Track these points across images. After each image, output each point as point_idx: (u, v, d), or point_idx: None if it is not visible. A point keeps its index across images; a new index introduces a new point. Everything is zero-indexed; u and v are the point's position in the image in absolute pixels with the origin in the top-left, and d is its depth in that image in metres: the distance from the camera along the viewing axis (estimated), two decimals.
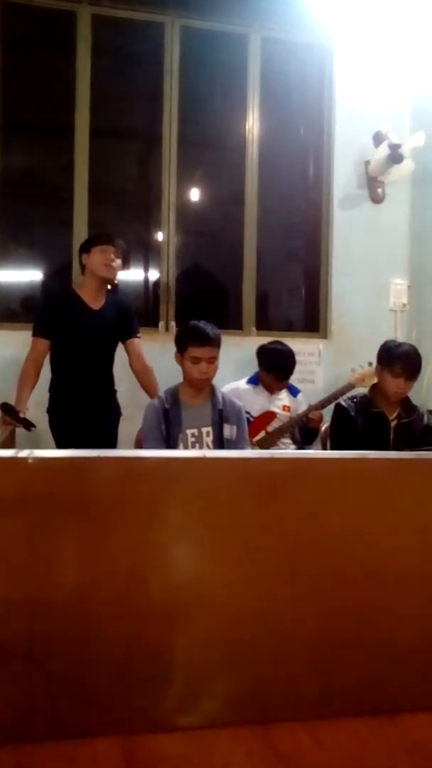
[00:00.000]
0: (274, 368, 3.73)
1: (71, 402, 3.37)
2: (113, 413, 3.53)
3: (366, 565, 2.04)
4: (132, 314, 3.57)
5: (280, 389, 3.81)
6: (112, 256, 3.32)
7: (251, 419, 3.72)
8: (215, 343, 2.91)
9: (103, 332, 3.38)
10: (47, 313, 3.37)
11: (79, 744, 1.70)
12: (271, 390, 3.79)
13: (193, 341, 2.88)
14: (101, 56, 4.36)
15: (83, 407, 3.36)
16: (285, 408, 3.80)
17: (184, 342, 2.91)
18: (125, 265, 3.44)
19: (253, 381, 3.84)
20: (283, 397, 3.84)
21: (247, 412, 3.72)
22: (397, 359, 3.12)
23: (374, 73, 4.61)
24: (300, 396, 3.86)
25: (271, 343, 3.88)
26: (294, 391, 3.89)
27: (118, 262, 3.35)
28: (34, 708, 1.81)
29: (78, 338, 3.32)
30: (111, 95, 4.54)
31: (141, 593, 1.91)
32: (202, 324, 2.94)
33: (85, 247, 3.37)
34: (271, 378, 3.75)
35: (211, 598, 1.96)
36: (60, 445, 3.31)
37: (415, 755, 1.71)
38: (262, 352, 3.80)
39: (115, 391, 3.53)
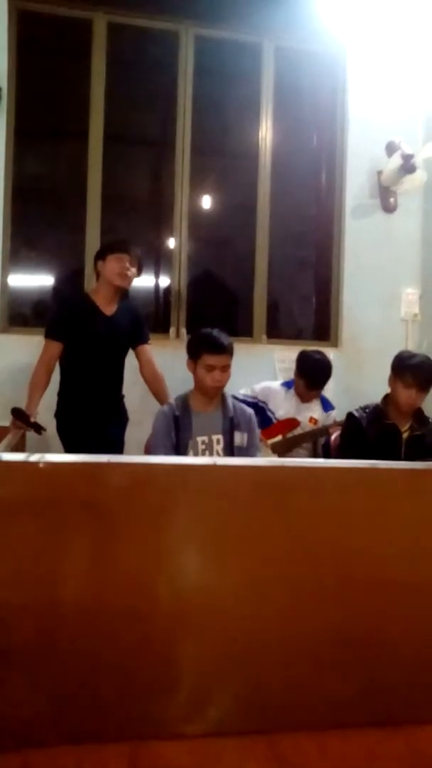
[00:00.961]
0: (306, 374, 3.73)
1: (79, 406, 3.37)
2: (121, 419, 3.54)
3: (375, 574, 2.03)
4: (142, 321, 3.58)
5: (310, 398, 3.79)
6: (128, 264, 3.33)
7: (273, 420, 3.71)
8: (229, 352, 2.92)
9: (115, 338, 3.39)
10: (61, 315, 3.38)
11: (86, 750, 1.70)
12: (302, 398, 3.78)
13: (208, 349, 2.88)
14: (116, 64, 4.38)
15: (90, 412, 3.36)
16: (312, 420, 3.78)
17: (197, 349, 2.91)
18: (140, 272, 3.45)
19: (288, 385, 3.84)
20: (315, 409, 3.82)
21: (272, 412, 3.72)
22: (409, 370, 3.08)
23: (387, 83, 4.62)
24: (333, 413, 3.83)
25: (312, 350, 3.88)
26: (327, 407, 3.86)
27: (133, 270, 3.36)
28: (41, 713, 1.80)
29: (90, 343, 3.33)
30: (125, 102, 4.56)
31: (149, 600, 1.91)
32: (215, 332, 2.94)
33: (101, 254, 3.38)
34: (301, 384, 3.74)
35: (219, 606, 1.96)
36: (68, 450, 3.32)
37: (421, 766, 1.70)
38: (301, 357, 3.80)
39: (122, 397, 3.54)
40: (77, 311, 3.35)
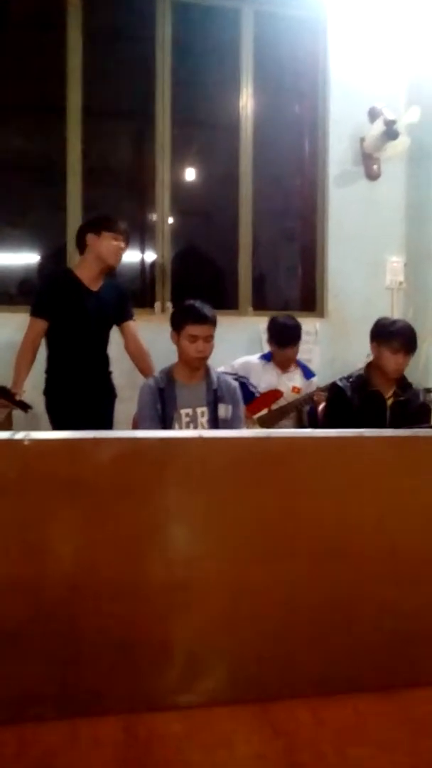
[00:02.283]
0: (273, 334, 3.73)
1: (68, 383, 3.36)
2: (109, 394, 3.54)
3: (364, 542, 2.05)
4: (127, 297, 3.57)
5: (287, 363, 3.77)
6: (122, 244, 3.31)
7: (257, 395, 3.71)
8: (212, 322, 2.94)
9: (101, 314, 3.37)
10: (46, 293, 3.35)
11: (80, 723, 1.71)
12: (281, 366, 3.77)
13: (191, 320, 2.91)
14: (92, 33, 4.31)
15: (80, 389, 3.35)
16: (295, 389, 3.78)
17: (180, 320, 2.92)
18: (126, 247, 3.43)
19: (266, 357, 3.83)
20: (296, 378, 3.82)
21: (254, 387, 3.72)
22: (395, 335, 3.12)
23: (369, 48, 4.56)
24: (314, 380, 3.83)
25: (281, 316, 3.88)
26: (308, 374, 3.87)
27: (124, 247, 3.35)
28: (35, 688, 1.82)
29: (77, 320, 3.31)
30: (103, 73, 4.49)
31: (139, 573, 1.92)
32: (198, 303, 2.97)
33: (94, 228, 3.32)
34: (274, 348, 3.74)
35: (210, 577, 1.97)
36: (57, 427, 3.31)
37: (416, 731, 1.72)
38: (269, 323, 3.81)
39: (110, 373, 3.53)
40: (62, 289, 3.33)
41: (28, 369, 3.22)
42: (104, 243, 3.29)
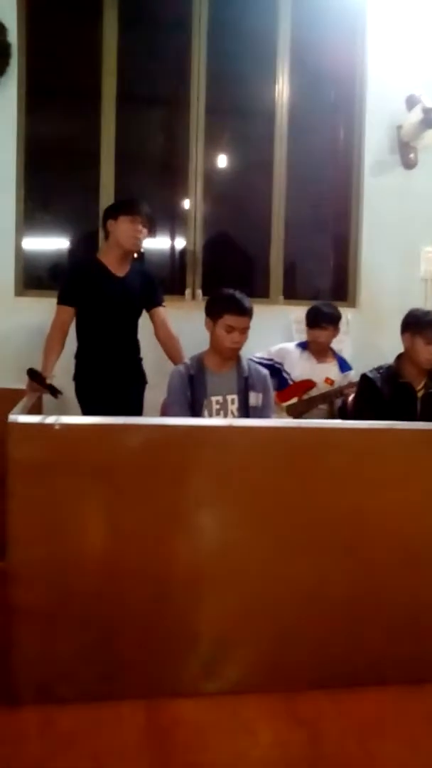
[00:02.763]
0: (308, 315, 3.71)
1: (98, 369, 3.38)
2: (139, 380, 3.54)
3: (392, 534, 2.03)
4: (156, 283, 3.56)
5: (321, 344, 3.72)
6: (140, 227, 3.30)
7: (290, 382, 3.69)
8: (250, 314, 2.94)
9: (127, 299, 3.37)
10: (72, 281, 3.37)
11: (104, 706, 1.73)
12: (318, 354, 3.75)
13: (230, 310, 2.89)
14: (128, 19, 4.29)
15: (109, 374, 3.37)
16: (328, 380, 3.74)
17: (219, 310, 2.91)
18: (151, 232, 3.41)
19: (302, 345, 3.81)
20: (331, 370, 3.78)
21: (287, 373, 3.71)
22: (429, 326, 3.08)
23: (408, 35, 4.47)
24: (351, 373, 3.79)
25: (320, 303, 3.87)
26: (344, 367, 3.83)
27: (145, 231, 3.34)
28: (60, 670, 1.84)
29: (103, 306, 3.32)
30: (138, 60, 4.46)
31: (166, 560, 1.92)
32: (238, 294, 2.95)
33: (113, 214, 3.34)
34: (307, 330, 3.72)
35: (237, 566, 1.97)
36: (86, 413, 3.33)
37: None
38: (308, 309, 3.79)
39: (140, 359, 3.54)
40: (88, 275, 3.34)
41: (56, 355, 3.25)
42: (121, 227, 3.30)
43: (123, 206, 3.39)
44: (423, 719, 1.66)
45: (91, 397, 3.39)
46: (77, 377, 3.42)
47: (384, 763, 1.48)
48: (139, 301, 3.44)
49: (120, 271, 3.37)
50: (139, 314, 3.48)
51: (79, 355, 3.41)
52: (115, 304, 3.34)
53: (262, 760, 1.50)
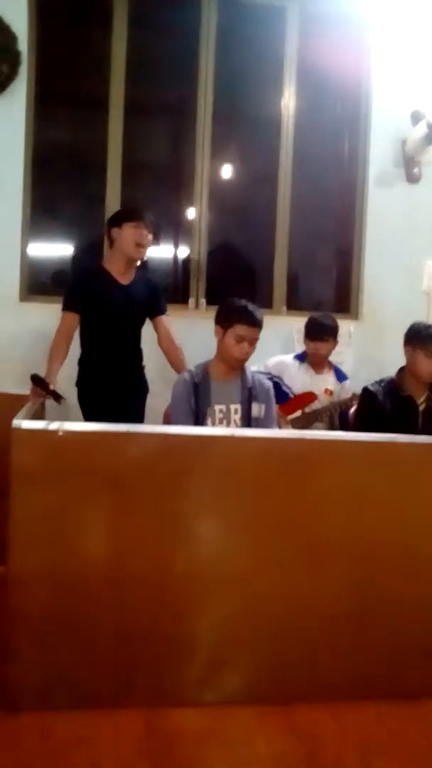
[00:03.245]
0: (308, 327, 3.71)
1: (100, 376, 3.39)
2: (141, 389, 3.54)
3: (393, 547, 2.04)
4: (160, 292, 3.56)
5: (320, 356, 3.73)
6: (144, 232, 3.30)
7: (291, 396, 3.69)
8: (261, 326, 2.94)
9: (131, 307, 3.38)
10: (76, 287, 3.38)
11: (102, 714, 1.73)
12: (316, 366, 3.75)
13: (243, 320, 2.89)
14: (137, 29, 4.31)
15: (112, 381, 3.38)
16: (327, 391, 3.75)
17: (231, 319, 2.91)
18: (155, 240, 3.42)
19: (300, 357, 3.81)
20: (329, 380, 3.78)
21: (288, 387, 3.70)
22: (429, 339, 3.10)
23: (413, 50, 4.50)
24: (347, 383, 3.80)
25: (318, 314, 3.87)
26: (341, 377, 3.83)
27: (150, 238, 3.34)
28: (59, 676, 1.84)
29: (107, 313, 3.33)
30: (147, 69, 4.49)
31: (166, 568, 1.93)
32: (250, 305, 2.95)
33: (117, 221, 3.35)
34: (307, 342, 3.71)
35: (236, 576, 1.97)
36: (88, 419, 3.33)
37: None
38: (308, 320, 3.78)
39: (143, 367, 3.54)
40: (92, 282, 3.35)
41: (60, 361, 3.25)
42: (125, 234, 3.30)
43: (127, 214, 3.40)
44: (422, 734, 1.66)
45: (94, 404, 3.39)
46: (80, 383, 3.42)
47: None
48: (143, 310, 3.45)
49: (124, 279, 3.38)
50: (142, 322, 3.49)
51: (82, 362, 3.42)
52: (118, 312, 3.34)
53: None
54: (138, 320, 3.47)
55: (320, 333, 3.69)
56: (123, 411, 3.32)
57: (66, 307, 3.33)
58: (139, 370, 3.53)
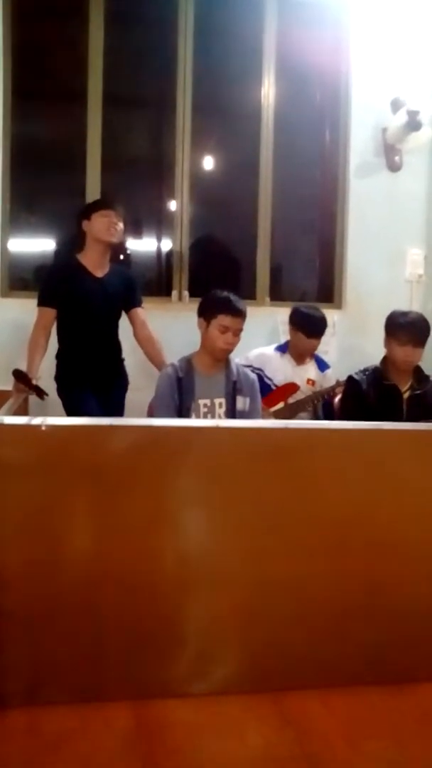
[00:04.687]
0: (303, 324, 3.68)
1: (79, 369, 3.38)
2: (121, 381, 3.55)
3: (379, 535, 2.04)
4: (135, 284, 3.55)
5: (308, 352, 3.73)
6: (114, 219, 3.30)
7: (273, 387, 3.69)
8: (244, 316, 2.94)
9: (107, 300, 3.37)
10: (50, 282, 3.38)
11: (91, 708, 1.72)
12: (299, 358, 3.75)
13: (226, 310, 2.89)
14: (114, 20, 4.28)
15: (91, 374, 3.37)
16: (309, 381, 3.75)
17: (214, 310, 2.91)
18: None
19: (281, 349, 3.80)
20: (310, 371, 3.79)
21: (270, 379, 3.70)
22: (402, 327, 3.11)
23: (393, 38, 4.50)
24: (329, 372, 3.81)
25: (303, 305, 3.85)
26: (322, 366, 3.84)
27: (120, 225, 3.34)
28: (46, 671, 1.83)
29: (82, 306, 3.32)
30: (124, 61, 4.46)
31: (153, 561, 1.92)
32: (233, 295, 2.95)
33: (86, 214, 3.35)
34: (300, 337, 3.68)
35: (223, 567, 1.97)
36: (69, 412, 3.32)
37: (425, 724, 1.72)
38: (294, 312, 3.76)
39: (122, 360, 3.54)
40: (67, 276, 3.34)
41: (40, 356, 3.25)
42: (95, 223, 3.31)
43: (94, 204, 3.44)
44: (411, 718, 1.66)
45: (73, 397, 3.37)
46: (58, 377, 3.40)
47: (372, 763, 1.48)
48: (119, 302, 3.44)
49: (99, 271, 3.36)
50: (119, 315, 3.48)
51: (60, 355, 3.40)
52: (94, 304, 3.33)
53: (250, 761, 1.50)
54: (114, 312, 3.47)
55: (319, 330, 3.69)
56: (103, 403, 3.32)
57: (41, 302, 3.33)
58: (118, 363, 3.54)
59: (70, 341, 3.40)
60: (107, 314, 3.43)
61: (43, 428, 1.81)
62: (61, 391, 3.39)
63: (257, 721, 1.63)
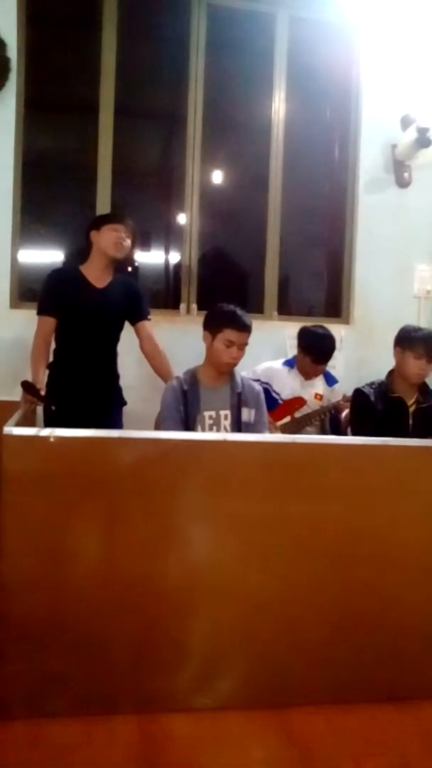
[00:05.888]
0: (311, 350, 3.67)
1: (71, 382, 3.30)
2: (114, 397, 3.45)
3: (386, 550, 2.04)
4: (141, 296, 3.50)
5: (316, 374, 3.75)
6: (123, 234, 3.28)
7: (280, 401, 3.69)
8: (249, 331, 2.95)
9: (106, 311, 3.32)
10: (49, 290, 3.34)
11: (95, 721, 1.72)
12: (307, 375, 3.75)
13: (232, 325, 2.90)
14: (127, 35, 4.32)
15: (81, 389, 3.29)
16: (317, 396, 3.75)
17: (220, 324, 2.91)
18: (134, 245, 3.39)
19: (289, 363, 3.80)
20: (318, 385, 3.78)
21: (277, 393, 3.70)
22: (419, 341, 3.14)
23: (403, 55, 4.53)
24: (337, 386, 3.81)
25: (314, 325, 3.83)
26: (330, 381, 3.83)
27: (128, 241, 3.32)
28: (51, 683, 1.83)
29: (79, 316, 3.28)
30: (136, 74, 4.50)
31: (159, 574, 1.92)
32: (239, 310, 2.96)
33: (95, 225, 3.34)
34: (307, 361, 3.68)
35: (229, 581, 1.97)
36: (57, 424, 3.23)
37: (428, 742, 1.71)
38: (302, 333, 3.75)
39: (117, 375, 3.47)
40: (66, 285, 3.31)
41: (43, 365, 3.22)
42: (103, 236, 3.28)
43: (105, 217, 3.42)
44: (416, 737, 1.65)
45: (63, 411, 3.25)
46: (49, 387, 3.26)
47: None
48: (120, 314, 3.39)
49: (100, 282, 3.33)
50: (118, 327, 3.42)
51: (51, 366, 3.34)
52: (91, 316, 3.28)
53: None
54: (113, 325, 3.40)
55: (326, 358, 3.69)
56: (92, 421, 3.19)
57: (40, 311, 3.30)
58: (113, 378, 3.46)
59: (64, 352, 3.34)
60: (105, 327, 3.36)
61: (51, 440, 1.81)
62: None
63: (260, 737, 1.62)
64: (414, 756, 1.55)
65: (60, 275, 3.46)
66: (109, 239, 3.28)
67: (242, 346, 2.94)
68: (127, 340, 3.49)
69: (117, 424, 3.39)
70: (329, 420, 3.75)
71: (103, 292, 3.33)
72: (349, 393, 3.46)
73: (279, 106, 4.58)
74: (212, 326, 2.94)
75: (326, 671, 1.93)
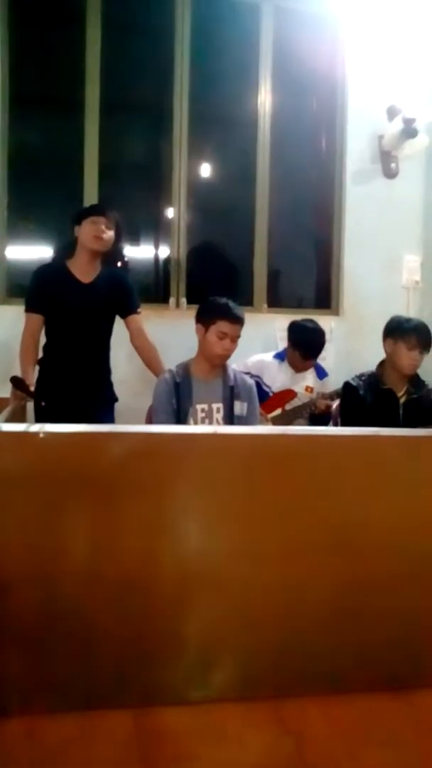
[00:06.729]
0: (300, 345, 3.68)
1: (59, 378, 3.29)
2: (105, 394, 3.43)
3: (379, 540, 2.04)
4: (129, 289, 3.46)
5: (306, 368, 3.76)
6: (103, 227, 3.25)
7: (270, 394, 3.69)
8: (242, 323, 2.97)
9: (92, 306, 3.29)
10: (35, 286, 3.32)
11: (90, 716, 1.72)
12: (296, 368, 3.75)
13: (225, 317, 2.92)
14: (111, 28, 4.30)
15: (72, 385, 3.28)
16: (308, 389, 3.76)
17: (213, 316, 2.93)
18: (120, 237, 3.37)
19: (280, 356, 3.80)
20: (308, 378, 3.80)
21: (268, 386, 3.71)
22: (412, 332, 3.13)
23: (389, 46, 4.53)
24: (327, 379, 3.82)
25: (303, 319, 3.83)
26: (321, 374, 3.84)
27: (110, 233, 3.28)
28: (46, 679, 1.82)
29: (65, 312, 3.26)
30: (121, 69, 4.48)
31: (151, 568, 1.92)
32: (231, 302, 2.98)
33: (77, 219, 3.31)
34: (296, 355, 3.70)
35: (222, 574, 1.97)
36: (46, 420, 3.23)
37: (425, 732, 1.72)
38: (292, 327, 3.76)
39: (109, 372, 3.45)
40: (52, 281, 3.29)
41: (33, 362, 3.21)
42: (84, 230, 3.26)
43: (86, 210, 3.39)
44: (412, 726, 1.66)
45: (51, 408, 3.25)
46: (38, 384, 3.27)
47: None
48: (108, 308, 3.36)
49: (86, 277, 3.31)
50: (107, 322, 3.40)
51: (41, 362, 3.32)
52: (77, 311, 3.26)
53: None
54: (102, 320, 3.38)
55: (315, 353, 3.71)
56: (82, 419, 3.18)
57: (28, 308, 3.28)
58: (103, 374, 3.43)
59: (53, 348, 3.33)
60: (93, 322, 3.33)
61: (41, 435, 1.81)
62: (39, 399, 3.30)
63: (256, 728, 1.62)
64: (409, 744, 1.56)
65: (46, 271, 3.43)
66: (89, 232, 3.24)
67: (235, 339, 2.95)
68: (117, 335, 3.48)
69: (107, 421, 3.37)
70: (312, 416, 3.74)
71: (89, 287, 3.31)
72: (339, 385, 3.46)
73: (265, 98, 4.57)
74: (205, 318, 2.95)
75: (322, 661, 1.93)
